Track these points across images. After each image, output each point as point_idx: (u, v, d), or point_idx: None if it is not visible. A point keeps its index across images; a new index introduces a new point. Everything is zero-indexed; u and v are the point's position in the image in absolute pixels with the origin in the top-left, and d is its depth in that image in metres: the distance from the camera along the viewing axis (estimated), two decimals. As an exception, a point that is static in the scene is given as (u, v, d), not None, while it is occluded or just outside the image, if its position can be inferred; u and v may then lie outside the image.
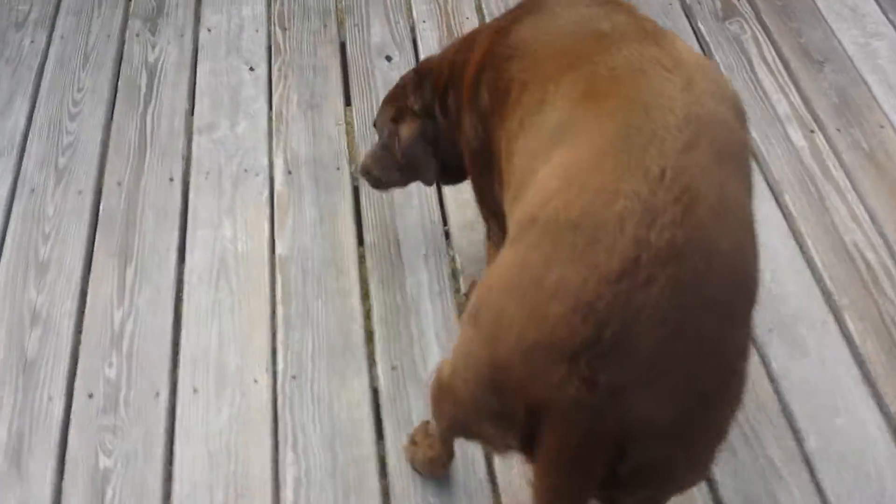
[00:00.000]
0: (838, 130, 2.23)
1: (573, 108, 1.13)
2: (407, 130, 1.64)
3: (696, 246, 0.94)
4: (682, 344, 0.92)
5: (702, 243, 0.94)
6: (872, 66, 2.41)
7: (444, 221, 2.04)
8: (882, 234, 2.03)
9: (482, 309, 1.06)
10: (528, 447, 1.02)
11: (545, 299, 0.94)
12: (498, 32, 1.39)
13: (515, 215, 1.12)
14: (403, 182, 1.81)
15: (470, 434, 1.18)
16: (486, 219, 1.59)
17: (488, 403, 1.04)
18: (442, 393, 1.20)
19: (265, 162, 2.13)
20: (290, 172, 2.11)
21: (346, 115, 2.25)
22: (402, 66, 2.32)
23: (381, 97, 2.23)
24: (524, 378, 0.96)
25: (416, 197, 2.07)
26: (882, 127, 2.26)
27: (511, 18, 1.40)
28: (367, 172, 1.80)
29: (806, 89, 2.35)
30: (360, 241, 2.00)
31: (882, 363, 1.80)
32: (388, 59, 2.36)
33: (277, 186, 2.08)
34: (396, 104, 1.69)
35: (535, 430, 0.98)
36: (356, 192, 2.08)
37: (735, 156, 1.07)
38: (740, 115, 1.15)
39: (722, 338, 0.96)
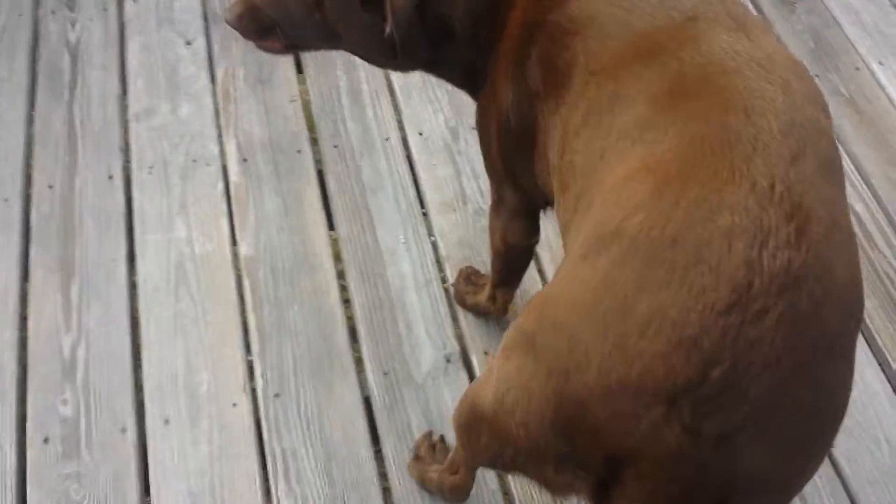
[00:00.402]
0: (817, 77, 2.10)
1: (656, 108, 0.95)
2: None
3: (813, 272, 0.80)
4: (796, 385, 0.79)
5: (818, 269, 0.80)
6: (844, 5, 2.29)
7: (421, 203, 1.86)
8: (870, 185, 1.93)
9: (542, 334, 0.90)
10: (604, 498, 0.88)
11: (636, 330, 0.80)
12: None
13: (585, 226, 0.95)
14: (317, 45, 1.34)
15: (519, 473, 1.03)
16: (500, 189, 1.37)
17: (552, 446, 0.90)
18: (480, 425, 1.04)
19: (215, 149, 1.91)
20: (245, 160, 1.89)
21: (300, 88, 2.03)
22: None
23: (339, 66, 2.05)
24: (606, 422, 0.82)
25: (388, 176, 1.88)
26: (857, 69, 2.15)
27: None
28: (251, 14, 1.25)
29: (782, 34, 2.21)
30: (332, 230, 1.80)
31: (881, 318, 1.73)
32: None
33: (232, 177, 1.86)
34: None
35: (615, 479, 0.85)
36: (321, 176, 1.88)
37: (837, 168, 0.93)
38: (830, 121, 1.01)
39: (836, 375, 0.84)
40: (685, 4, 1.03)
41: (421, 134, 1.96)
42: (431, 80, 2.01)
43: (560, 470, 0.91)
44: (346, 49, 1.30)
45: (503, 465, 1.05)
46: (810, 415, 0.82)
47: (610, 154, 0.97)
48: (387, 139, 1.94)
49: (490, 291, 1.61)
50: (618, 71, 1.01)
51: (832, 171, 0.92)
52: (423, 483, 1.46)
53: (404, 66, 1.34)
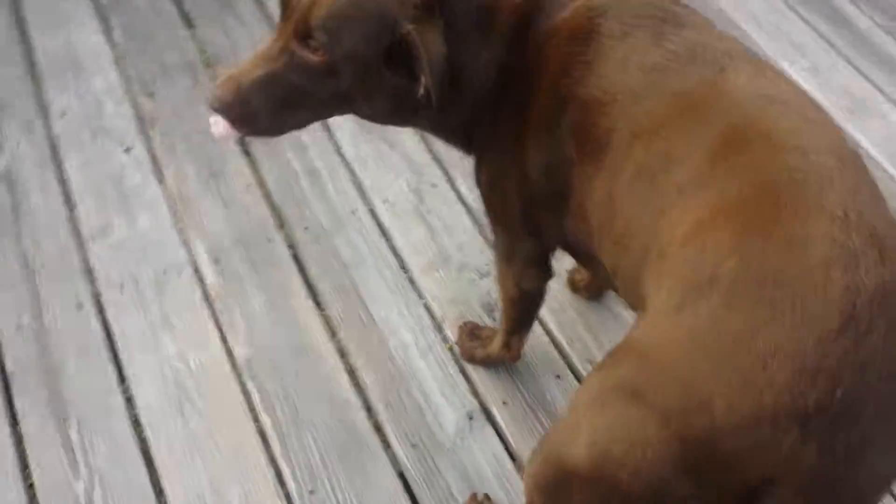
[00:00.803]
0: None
1: (713, 159, 1.00)
2: (431, 39, 1.11)
3: None
4: None
5: None
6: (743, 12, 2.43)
7: (404, 268, 1.86)
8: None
9: (650, 382, 0.93)
10: None
11: (759, 364, 0.85)
12: (573, 58, 1.14)
13: (665, 278, 0.99)
14: (313, 118, 1.26)
15: None
16: (514, 240, 1.39)
17: (675, 489, 0.91)
18: (571, 485, 1.03)
19: (184, 255, 1.86)
20: (217, 260, 1.85)
21: (254, 176, 2.00)
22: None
23: (288, 148, 2.03)
24: (740, 455, 0.86)
25: (365, 249, 1.88)
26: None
27: (582, 38, 1.14)
28: (239, 103, 1.15)
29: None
30: (323, 314, 1.79)
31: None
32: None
33: (209, 280, 1.82)
34: None
35: None
36: (298, 261, 1.86)
37: (879, 191, 1.02)
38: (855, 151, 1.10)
39: None
40: (714, 58, 1.08)
41: (386, 201, 1.96)
42: (384, 147, 2.05)
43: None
44: (355, 112, 1.24)
45: None
46: None
47: (671, 209, 1.02)
48: (354, 212, 1.94)
49: (504, 339, 1.63)
50: (663, 131, 1.06)
51: (880, 195, 1.00)
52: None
53: (419, 121, 1.31)
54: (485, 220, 1.79)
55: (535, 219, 1.30)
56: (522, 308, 1.53)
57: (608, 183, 1.12)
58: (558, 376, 1.72)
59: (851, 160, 1.00)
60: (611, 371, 1.00)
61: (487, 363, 1.70)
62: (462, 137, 1.33)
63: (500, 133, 1.26)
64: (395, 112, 1.23)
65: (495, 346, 1.65)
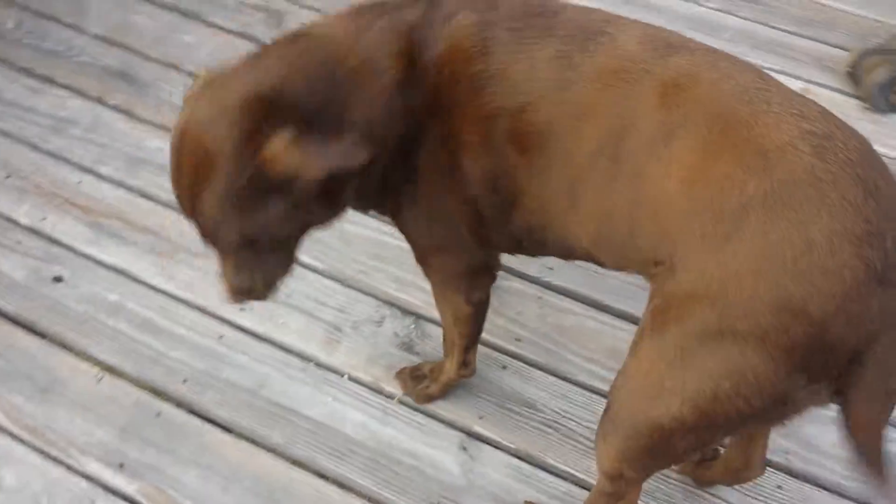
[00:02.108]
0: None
1: (663, 111, 1.08)
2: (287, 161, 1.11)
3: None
4: None
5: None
6: None
7: (306, 359, 1.76)
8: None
9: (730, 320, 1.00)
10: (846, 392, 1.02)
11: (827, 252, 0.95)
12: (480, 76, 1.18)
13: (684, 225, 1.05)
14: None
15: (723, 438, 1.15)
16: (460, 259, 1.41)
17: (791, 390, 1.02)
18: (672, 437, 1.12)
19: (84, 485, 1.59)
20: (122, 466, 1.60)
21: (96, 365, 1.75)
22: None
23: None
24: (841, 333, 0.96)
25: (254, 363, 1.75)
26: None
27: (480, 56, 1.17)
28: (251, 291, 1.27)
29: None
30: (265, 446, 1.64)
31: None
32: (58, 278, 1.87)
33: (133, 488, 1.58)
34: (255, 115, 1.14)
35: (853, 373, 0.99)
36: (199, 415, 1.68)
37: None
38: None
39: None
40: (601, 28, 1.17)
41: (243, 310, 1.83)
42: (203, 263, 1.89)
43: (798, 404, 1.04)
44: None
45: (704, 448, 1.15)
46: None
47: (648, 168, 1.09)
48: (220, 338, 1.79)
49: (461, 358, 1.62)
50: (601, 106, 1.13)
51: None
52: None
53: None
54: (345, 275, 1.77)
55: (483, 231, 1.32)
56: (476, 320, 1.54)
57: (564, 170, 1.17)
58: (504, 367, 1.77)
59: (763, 74, 1.12)
60: (678, 326, 1.05)
61: (446, 392, 1.69)
62: (380, 192, 1.32)
63: (428, 169, 1.26)
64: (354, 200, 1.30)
65: (450, 370, 1.65)
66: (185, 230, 1.95)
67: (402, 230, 1.41)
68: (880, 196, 0.98)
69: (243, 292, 1.26)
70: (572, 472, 1.63)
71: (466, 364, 1.64)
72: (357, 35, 1.21)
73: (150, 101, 2.27)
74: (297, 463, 1.63)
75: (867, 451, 1.06)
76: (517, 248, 1.40)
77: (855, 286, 0.95)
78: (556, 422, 1.70)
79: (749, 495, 1.60)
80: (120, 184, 2.07)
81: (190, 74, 2.31)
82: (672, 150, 1.07)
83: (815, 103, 1.08)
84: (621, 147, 1.12)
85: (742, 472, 1.47)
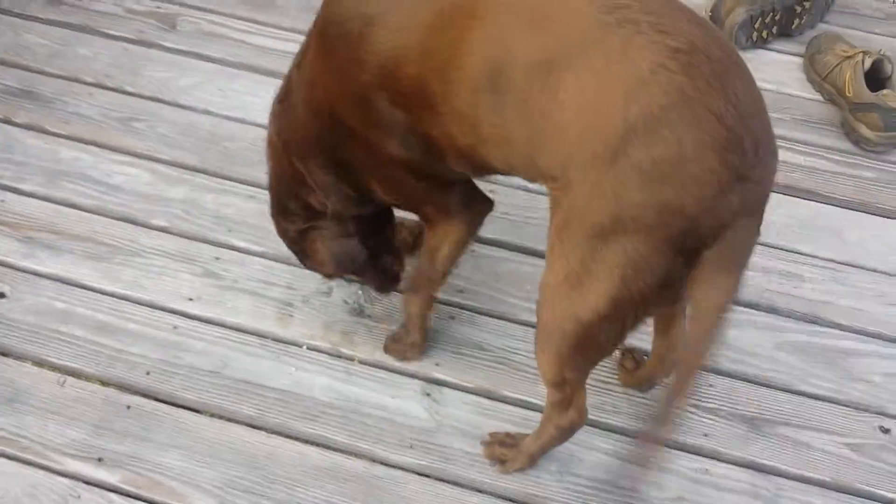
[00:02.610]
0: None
1: (534, 35, 1.22)
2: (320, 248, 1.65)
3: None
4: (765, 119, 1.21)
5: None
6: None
7: (262, 336, 1.84)
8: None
9: (620, 224, 1.17)
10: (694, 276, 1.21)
11: (698, 162, 1.12)
12: (331, 60, 1.40)
13: (575, 147, 1.19)
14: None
15: (637, 325, 1.31)
16: (440, 203, 1.57)
17: (675, 270, 1.20)
18: (598, 330, 1.29)
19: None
20: (100, 460, 1.64)
21: (54, 370, 1.76)
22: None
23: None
24: (709, 224, 1.15)
25: (213, 347, 1.81)
26: None
27: (324, 44, 1.41)
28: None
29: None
30: (240, 423, 1.71)
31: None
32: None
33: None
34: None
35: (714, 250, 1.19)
36: (169, 402, 1.73)
37: None
38: None
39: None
40: None
41: (190, 300, 1.89)
42: (140, 261, 1.93)
43: (682, 280, 1.22)
44: None
45: (621, 337, 1.33)
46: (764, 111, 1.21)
47: (534, 95, 1.22)
48: (175, 328, 1.85)
49: (433, 291, 1.75)
50: (465, 49, 1.26)
51: None
52: (535, 457, 1.64)
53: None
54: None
55: (433, 178, 1.48)
56: (466, 246, 1.67)
57: (453, 113, 1.31)
58: (452, 317, 1.90)
59: None
60: (581, 231, 1.22)
61: (425, 333, 1.81)
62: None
63: (359, 159, 1.50)
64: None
65: (417, 310, 1.76)
66: (116, 234, 2.00)
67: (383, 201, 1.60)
68: (738, 102, 1.14)
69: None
70: (526, 398, 1.78)
71: (431, 301, 1.77)
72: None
73: (59, 115, 2.26)
74: (272, 431, 1.70)
75: (707, 312, 1.24)
76: (471, 175, 1.54)
77: (719, 187, 1.13)
78: (504, 358, 1.84)
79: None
80: (45, 198, 2.07)
81: (93, 85, 2.33)
82: (557, 81, 1.20)
83: (678, 10, 1.21)
84: (500, 80, 1.25)
85: (670, 354, 1.66)
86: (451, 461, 1.68)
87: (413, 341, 1.80)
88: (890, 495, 1.69)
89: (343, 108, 1.43)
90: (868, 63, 2.30)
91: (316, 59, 1.45)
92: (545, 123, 1.23)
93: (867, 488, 1.70)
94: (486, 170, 1.45)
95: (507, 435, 1.68)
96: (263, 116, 2.25)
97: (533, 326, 1.90)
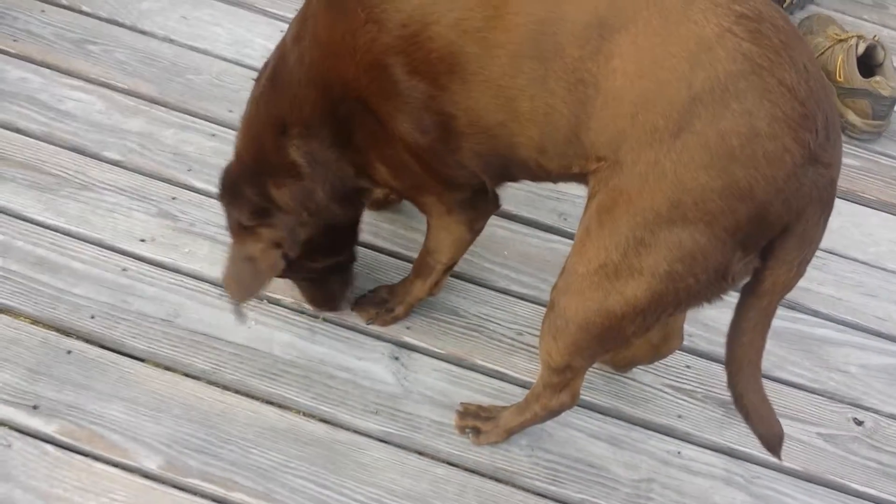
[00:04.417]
0: None
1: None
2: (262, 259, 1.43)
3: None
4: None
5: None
6: None
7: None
8: None
9: (681, 208, 1.06)
10: (767, 265, 1.13)
11: (770, 139, 1.02)
12: (349, 35, 1.22)
13: (631, 121, 1.07)
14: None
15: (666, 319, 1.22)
16: (444, 197, 1.41)
17: (732, 265, 1.11)
18: (624, 322, 1.20)
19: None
20: (49, 413, 1.50)
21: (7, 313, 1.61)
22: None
23: None
24: (780, 209, 1.06)
25: (173, 295, 1.67)
26: None
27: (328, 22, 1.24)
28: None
29: None
30: (198, 379, 1.58)
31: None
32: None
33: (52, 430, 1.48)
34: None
35: (776, 245, 1.11)
36: (120, 352, 1.59)
37: None
38: None
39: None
40: None
41: (144, 241, 1.74)
42: (91, 195, 1.77)
43: (735, 276, 1.13)
44: None
45: (650, 330, 1.24)
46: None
47: (585, 62, 1.09)
48: (124, 270, 1.70)
49: (439, 279, 1.62)
50: (506, 9, 1.12)
51: None
52: (512, 433, 1.55)
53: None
54: None
55: (444, 167, 1.33)
56: (469, 245, 1.54)
57: (486, 84, 1.17)
58: (422, 277, 1.79)
59: None
60: (630, 217, 1.10)
61: (410, 311, 1.69)
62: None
63: (367, 140, 1.33)
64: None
65: (420, 290, 1.64)
66: (64, 163, 1.84)
67: (391, 185, 1.45)
68: (809, 77, 1.05)
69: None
70: (500, 369, 1.69)
71: (438, 285, 1.64)
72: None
73: (6, 31, 2.06)
74: (227, 388, 1.58)
75: (766, 314, 1.20)
76: (483, 174, 1.37)
77: (793, 168, 1.03)
78: (479, 325, 1.75)
79: (661, 375, 1.73)
80: (-16, 118, 1.89)
81: (45, 1, 2.13)
82: (610, 44, 1.07)
83: None
84: (545, 44, 1.11)
85: (662, 346, 1.58)
86: (417, 430, 1.58)
87: (395, 314, 1.68)
88: (860, 488, 1.66)
89: (354, 77, 1.25)
90: (862, 48, 2.24)
91: (323, 24, 1.27)
92: (595, 93, 1.10)
93: (839, 480, 1.66)
94: (505, 161, 1.29)
95: (481, 407, 1.59)
96: (230, 49, 2.19)
97: (509, 294, 1.84)
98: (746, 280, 1.18)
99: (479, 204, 1.45)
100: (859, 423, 1.75)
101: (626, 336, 1.24)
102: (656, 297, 1.14)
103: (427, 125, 1.25)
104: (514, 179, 1.39)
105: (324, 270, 1.57)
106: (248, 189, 1.43)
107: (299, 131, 1.35)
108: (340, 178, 1.41)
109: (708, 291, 1.15)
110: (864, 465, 1.69)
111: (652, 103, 1.05)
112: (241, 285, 1.44)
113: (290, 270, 1.48)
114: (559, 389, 1.43)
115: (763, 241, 1.09)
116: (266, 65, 1.41)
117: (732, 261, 1.10)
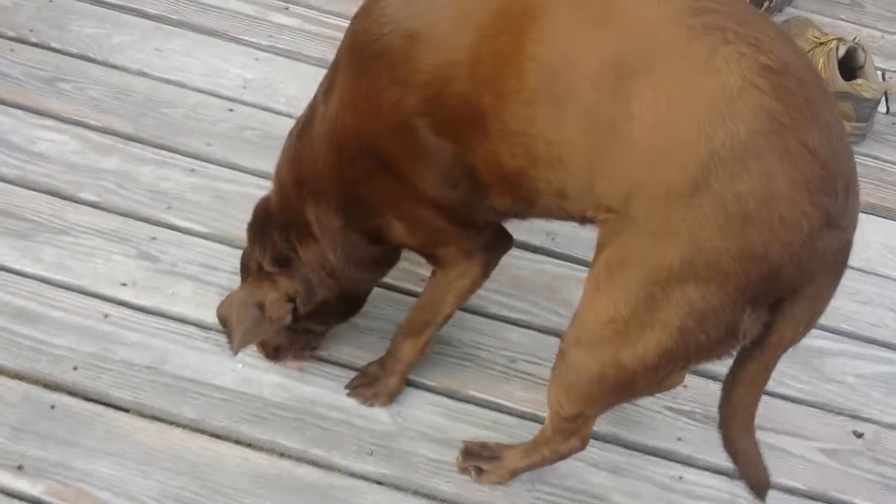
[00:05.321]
0: None
1: (586, 32, 1.07)
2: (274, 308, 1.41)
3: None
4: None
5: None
6: None
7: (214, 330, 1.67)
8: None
9: (694, 266, 1.03)
10: (774, 323, 1.10)
11: (788, 203, 0.99)
12: (367, 92, 1.20)
13: (647, 174, 1.04)
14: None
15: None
16: (461, 245, 1.38)
17: (742, 324, 1.08)
18: (637, 378, 1.17)
19: None
20: (35, 473, 1.45)
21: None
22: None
23: None
24: (793, 272, 1.03)
25: (160, 341, 1.63)
26: None
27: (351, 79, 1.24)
28: None
29: None
30: (186, 428, 1.55)
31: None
32: None
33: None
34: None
35: (787, 303, 1.08)
36: (105, 403, 1.55)
37: None
38: None
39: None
40: None
41: (125, 284, 1.69)
42: (82, 238, 1.73)
43: (744, 333, 1.10)
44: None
45: (663, 384, 1.25)
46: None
47: (601, 104, 1.06)
48: (106, 317, 1.65)
49: (431, 335, 1.57)
50: (518, 57, 1.09)
51: None
52: (517, 473, 1.52)
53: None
54: (230, 234, 1.69)
55: (466, 213, 1.31)
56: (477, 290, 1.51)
57: (504, 133, 1.14)
58: (413, 308, 1.76)
59: None
60: (641, 274, 1.07)
61: (404, 379, 1.64)
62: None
63: (382, 197, 1.31)
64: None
65: (411, 354, 1.58)
66: (39, 207, 1.79)
67: (406, 241, 1.41)
68: (832, 136, 1.01)
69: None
70: (495, 399, 1.66)
71: (429, 343, 1.59)
72: None
73: (-28, 71, 2.02)
74: (216, 435, 1.54)
75: (768, 367, 1.19)
76: (507, 216, 1.35)
77: (809, 233, 1.00)
78: (470, 354, 1.72)
79: (659, 397, 1.69)
80: (-47, 163, 1.84)
81: (14, 40, 2.08)
82: (630, 88, 1.03)
83: (766, 22, 1.08)
84: (559, 88, 1.08)
85: (665, 381, 1.54)
86: (414, 469, 1.55)
87: (390, 389, 1.61)
88: (863, 503, 1.64)
89: (378, 138, 1.23)
90: (842, 51, 2.22)
91: (346, 84, 1.25)
92: (612, 138, 1.06)
93: (843, 497, 1.64)
94: (531, 203, 1.25)
95: (483, 445, 1.55)
96: (205, 80, 2.15)
97: (499, 320, 1.81)
98: (756, 335, 1.14)
99: (496, 243, 1.43)
100: (859, 435, 1.74)
101: (638, 389, 1.24)
102: (667, 353, 1.12)
103: (457, 180, 1.23)
104: (544, 217, 1.36)
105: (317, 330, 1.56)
106: (276, 234, 1.42)
107: (311, 191, 1.35)
108: (350, 245, 1.39)
109: (718, 348, 1.13)
110: (866, 480, 1.67)
111: (669, 155, 1.02)
112: (244, 331, 1.40)
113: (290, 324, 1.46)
114: (570, 435, 1.41)
115: (773, 299, 1.07)
116: (300, 118, 1.41)
117: (742, 318, 1.07)
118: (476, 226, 1.36)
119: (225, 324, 1.43)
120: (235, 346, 1.40)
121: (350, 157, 1.28)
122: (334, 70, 1.30)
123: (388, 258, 1.51)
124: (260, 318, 1.40)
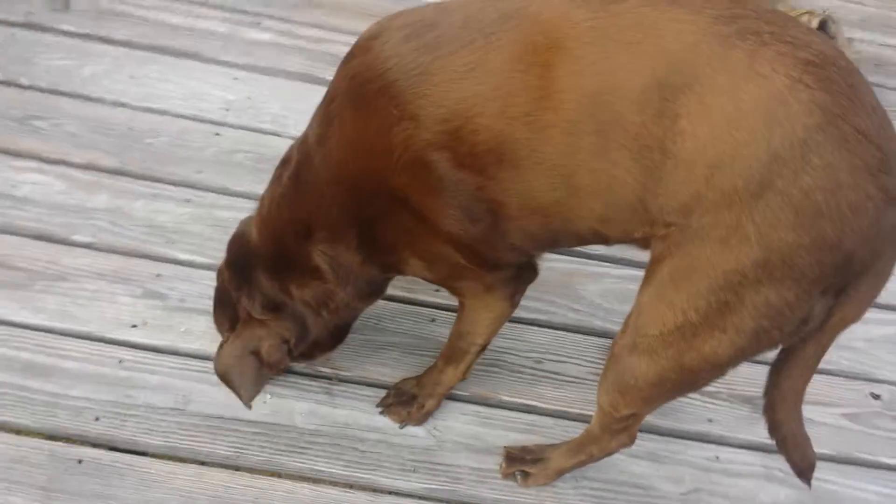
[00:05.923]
0: None
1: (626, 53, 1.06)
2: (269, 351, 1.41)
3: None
4: None
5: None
6: None
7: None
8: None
9: (771, 267, 1.03)
10: (840, 304, 1.10)
11: (853, 188, 0.99)
12: (381, 129, 1.16)
13: (706, 183, 1.04)
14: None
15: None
16: (483, 279, 1.36)
17: (814, 310, 1.09)
18: (706, 374, 1.19)
19: None
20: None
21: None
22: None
23: None
24: (865, 253, 1.03)
25: (178, 382, 1.58)
26: None
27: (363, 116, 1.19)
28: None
29: None
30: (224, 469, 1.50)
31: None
32: None
33: (72, 554, 1.37)
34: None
35: (851, 286, 1.08)
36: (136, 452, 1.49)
37: None
38: None
39: None
40: (484, 23, 1.12)
41: (135, 326, 1.63)
42: (86, 283, 1.67)
43: (815, 317, 1.10)
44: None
45: (715, 380, 1.23)
46: None
47: (648, 126, 1.05)
48: (120, 362, 1.59)
49: (472, 362, 1.56)
50: (553, 88, 1.08)
51: None
52: (564, 473, 1.52)
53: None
54: None
55: (492, 249, 1.28)
56: (507, 319, 1.49)
57: (541, 166, 1.12)
58: (433, 319, 1.75)
59: None
60: (710, 281, 1.07)
61: (441, 401, 1.62)
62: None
63: (399, 236, 1.28)
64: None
65: (452, 378, 1.57)
66: (32, 254, 1.72)
67: (424, 276, 1.39)
68: (878, 117, 1.03)
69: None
70: (527, 402, 1.66)
71: (470, 367, 1.58)
72: None
73: (-62, 117, 1.92)
74: (255, 471, 1.50)
75: (823, 349, 1.20)
76: (531, 250, 1.33)
77: (876, 214, 1.01)
78: (497, 360, 1.71)
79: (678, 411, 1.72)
80: (-64, 217, 1.75)
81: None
82: (675, 106, 1.03)
83: (788, 18, 1.09)
84: (603, 115, 1.07)
85: None
86: (459, 481, 1.53)
87: (427, 409, 1.59)
88: (891, 461, 1.69)
89: (391, 175, 1.19)
90: (815, 24, 2.27)
91: (351, 124, 1.21)
92: (663, 158, 1.05)
93: (870, 457, 1.69)
94: (556, 235, 1.24)
95: (524, 449, 1.55)
96: (186, 105, 2.08)
97: (521, 322, 1.80)
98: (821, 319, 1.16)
99: (521, 275, 1.41)
100: (876, 397, 1.78)
101: (699, 386, 1.25)
102: (738, 351, 1.13)
103: (477, 214, 1.20)
104: (560, 247, 1.36)
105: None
106: (265, 280, 1.39)
107: (325, 235, 1.31)
108: (365, 279, 1.37)
109: (788, 339, 1.14)
110: (889, 438, 1.72)
111: (729, 165, 1.02)
112: (247, 382, 1.40)
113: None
114: (619, 433, 1.41)
115: (843, 283, 1.08)
116: (286, 160, 1.36)
117: (814, 307, 1.08)
118: (498, 263, 1.34)
119: (228, 381, 1.41)
120: (246, 400, 1.40)
121: (367, 197, 1.25)
122: (329, 115, 1.25)
123: (386, 285, 1.50)
124: (258, 365, 1.40)
